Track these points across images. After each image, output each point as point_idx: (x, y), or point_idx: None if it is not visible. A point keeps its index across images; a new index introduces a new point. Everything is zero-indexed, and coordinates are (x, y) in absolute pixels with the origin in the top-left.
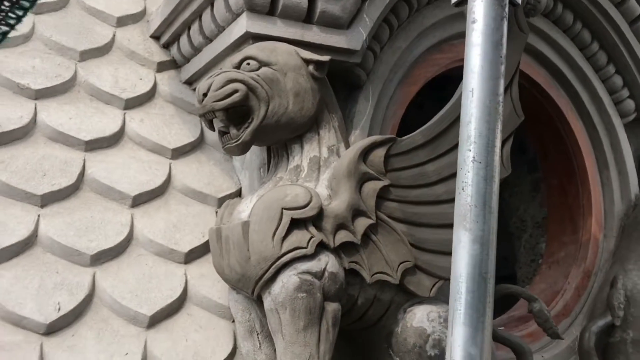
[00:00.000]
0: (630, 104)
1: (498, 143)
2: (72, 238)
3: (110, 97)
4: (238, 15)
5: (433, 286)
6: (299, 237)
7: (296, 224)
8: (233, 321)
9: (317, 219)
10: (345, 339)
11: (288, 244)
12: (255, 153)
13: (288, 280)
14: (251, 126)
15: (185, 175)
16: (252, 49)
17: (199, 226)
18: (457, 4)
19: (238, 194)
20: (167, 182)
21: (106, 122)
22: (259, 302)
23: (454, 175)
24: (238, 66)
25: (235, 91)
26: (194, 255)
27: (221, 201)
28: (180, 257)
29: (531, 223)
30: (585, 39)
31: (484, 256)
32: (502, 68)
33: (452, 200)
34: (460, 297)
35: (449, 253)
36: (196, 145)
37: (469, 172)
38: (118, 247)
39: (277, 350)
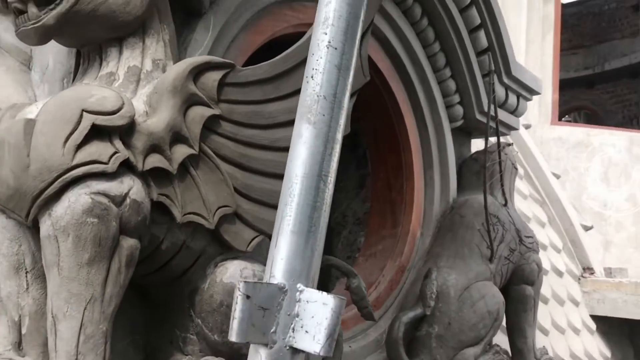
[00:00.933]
0: (459, 110)
1: (358, 31)
2: None
3: None
4: None
5: (252, 240)
6: (99, 148)
7: (98, 133)
8: None
9: (126, 133)
10: (137, 297)
11: (83, 155)
12: (61, 62)
13: (77, 199)
14: (58, 8)
15: None
16: None
17: None
18: None
19: None
20: None
21: None
22: (34, 229)
23: (288, 124)
24: None
25: None
26: None
27: None
28: None
29: (352, 219)
30: (429, 37)
31: (327, 155)
32: None
33: (283, 149)
34: (292, 200)
35: (273, 205)
36: None
37: (321, 57)
38: None
39: (49, 289)
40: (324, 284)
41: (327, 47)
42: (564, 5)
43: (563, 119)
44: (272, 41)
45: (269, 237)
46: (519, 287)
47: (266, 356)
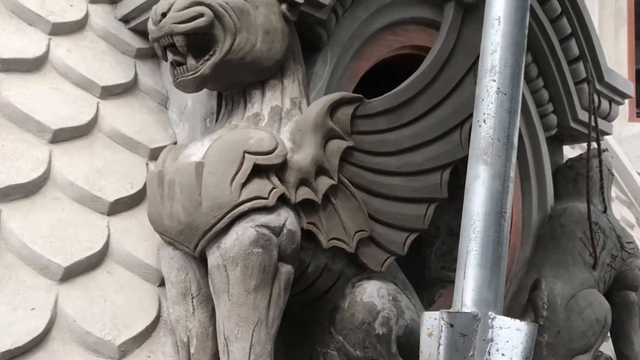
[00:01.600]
0: (553, 119)
1: (522, 76)
2: None
3: (34, 18)
4: None
5: (385, 261)
6: (260, 185)
7: (258, 171)
8: (159, 285)
9: (279, 170)
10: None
11: (248, 192)
12: (201, 102)
13: (244, 232)
14: (213, 59)
15: (114, 119)
16: None
17: (126, 175)
18: None
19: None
20: (94, 122)
21: (28, 42)
22: (199, 260)
23: (413, 148)
24: None
25: (201, 15)
26: (119, 207)
27: (153, 152)
28: (104, 207)
29: (445, 230)
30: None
31: (504, 194)
32: (529, 0)
33: (409, 174)
34: (476, 236)
35: (402, 228)
36: (128, 89)
37: (492, 103)
38: (32, 185)
39: (218, 314)
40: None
41: (497, 93)
42: None
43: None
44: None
45: (398, 257)
46: (622, 293)
47: None
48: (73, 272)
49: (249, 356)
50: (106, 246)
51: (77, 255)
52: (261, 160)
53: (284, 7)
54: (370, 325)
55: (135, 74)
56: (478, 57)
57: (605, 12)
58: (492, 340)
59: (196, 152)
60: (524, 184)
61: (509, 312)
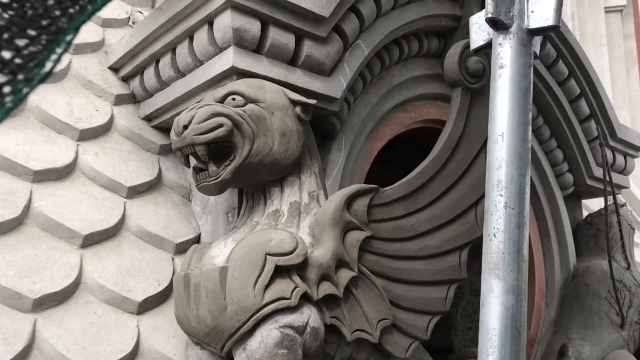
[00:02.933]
0: (569, 178)
1: (528, 190)
2: (13, 279)
3: (63, 126)
4: (223, 49)
5: (409, 346)
6: (282, 286)
7: (279, 272)
8: None
9: (300, 268)
10: None
11: (271, 294)
12: (223, 196)
13: (268, 334)
14: (233, 164)
15: (141, 217)
16: (238, 85)
17: (154, 273)
18: (477, 50)
19: (197, 240)
20: (121, 223)
21: (57, 152)
22: (226, 359)
23: (430, 232)
24: (222, 101)
25: (220, 125)
26: (148, 305)
27: (179, 247)
28: (133, 307)
29: (469, 290)
30: (533, 113)
31: (519, 307)
32: (530, 115)
33: (428, 257)
34: (494, 351)
35: (424, 312)
36: (153, 186)
37: (500, 218)
38: (64, 292)
39: None
40: None
41: (505, 208)
42: None
43: None
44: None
45: (421, 341)
46: None
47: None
48: None
49: None
50: (137, 346)
51: (110, 359)
52: (282, 261)
53: (297, 109)
54: None
55: (159, 170)
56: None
57: (615, 54)
58: None
59: (219, 253)
60: (544, 243)
61: None
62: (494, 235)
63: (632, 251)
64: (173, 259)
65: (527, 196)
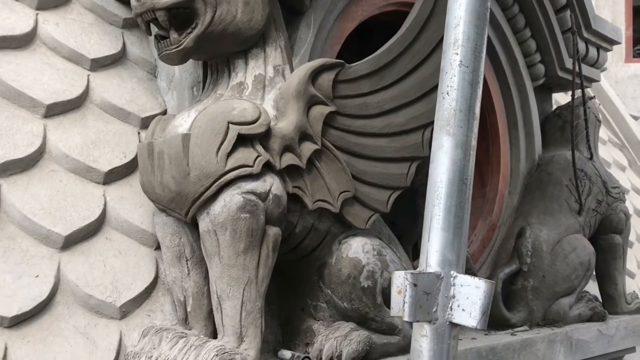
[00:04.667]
0: (540, 69)
1: (484, 49)
2: None
3: None
4: None
5: (369, 218)
6: (245, 154)
7: (242, 140)
8: (155, 248)
9: (264, 138)
10: (273, 271)
11: (233, 161)
12: (188, 71)
13: (231, 199)
14: (195, 31)
15: (105, 90)
16: None
17: (119, 145)
18: None
19: (163, 115)
20: (85, 95)
21: (15, 19)
22: (191, 225)
23: (395, 110)
24: None
25: None
26: (114, 176)
27: (144, 121)
28: (99, 177)
29: None
30: (508, 0)
31: (466, 162)
32: None
33: (391, 134)
34: (440, 202)
35: (385, 187)
36: (117, 60)
37: (454, 76)
38: (28, 159)
39: (211, 274)
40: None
41: (460, 66)
42: None
43: (636, 47)
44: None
45: (381, 214)
46: (607, 236)
47: (430, 331)
48: (73, 240)
49: (241, 313)
50: (103, 214)
51: (76, 224)
52: (245, 130)
53: None
54: (356, 279)
55: (124, 45)
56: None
57: None
58: (453, 297)
59: (183, 123)
60: (511, 133)
61: (497, 258)
62: (447, 93)
63: (596, 143)
64: (139, 133)
65: (483, 55)
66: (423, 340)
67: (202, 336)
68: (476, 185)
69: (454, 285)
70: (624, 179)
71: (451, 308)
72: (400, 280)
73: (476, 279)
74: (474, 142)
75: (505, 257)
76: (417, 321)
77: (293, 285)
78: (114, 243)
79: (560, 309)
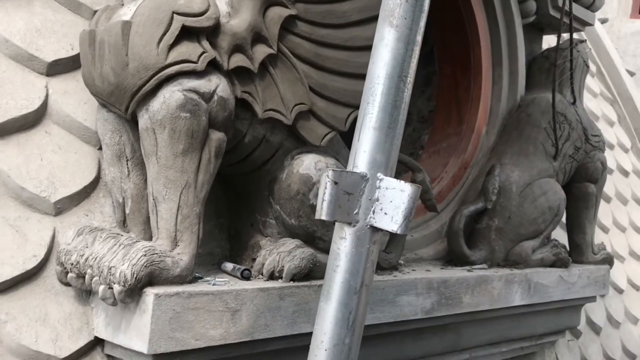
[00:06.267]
0: (532, 5)
1: None
2: None
3: None
4: None
5: (325, 136)
6: (189, 49)
7: (187, 33)
8: (99, 148)
9: (212, 34)
10: (221, 185)
11: (175, 55)
12: None
13: (171, 96)
14: None
15: None
16: None
17: (67, 37)
18: None
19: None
20: None
21: None
22: (132, 122)
23: (362, 22)
24: None
25: None
26: (59, 67)
27: None
28: (42, 67)
29: (416, 117)
30: None
31: (407, 57)
32: None
33: (356, 49)
34: (375, 99)
35: (345, 104)
36: None
37: None
38: None
39: (148, 175)
40: None
41: None
42: None
43: None
44: None
45: (340, 132)
46: (581, 184)
47: (350, 233)
48: (8, 130)
49: (177, 217)
50: (44, 106)
51: (13, 112)
52: (191, 22)
53: None
54: (305, 195)
55: None
56: None
57: None
58: (377, 200)
59: (128, 12)
60: (495, 71)
61: (467, 197)
62: None
63: (581, 88)
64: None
65: None
66: (341, 243)
67: (133, 236)
68: (453, 122)
69: (379, 188)
70: (611, 134)
71: (374, 211)
72: (324, 179)
73: (402, 182)
74: (418, 37)
75: (475, 196)
76: (336, 221)
77: (244, 200)
78: (53, 137)
79: (522, 251)
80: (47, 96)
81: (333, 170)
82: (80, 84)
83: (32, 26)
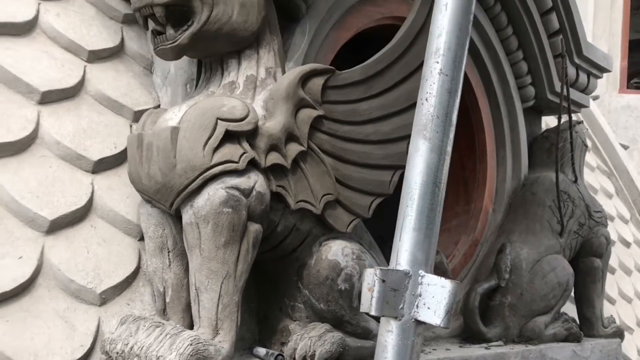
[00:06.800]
0: (531, 90)
1: (464, 60)
2: None
3: None
4: None
5: (350, 222)
6: (231, 150)
7: (229, 137)
8: (139, 239)
9: (251, 136)
10: (253, 269)
11: (219, 156)
12: (183, 68)
13: (215, 193)
14: (191, 29)
15: (100, 81)
16: None
17: (111, 136)
18: None
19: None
20: (81, 85)
21: (17, 7)
22: (175, 217)
23: (382, 118)
24: None
25: None
26: (103, 165)
27: (137, 115)
28: (89, 165)
29: None
30: (502, 22)
31: (440, 166)
32: None
33: (377, 142)
34: (413, 203)
35: (368, 192)
36: (115, 53)
37: (434, 83)
38: (20, 143)
39: (191, 267)
40: None
41: (439, 74)
42: None
43: (633, 81)
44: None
45: (363, 219)
46: (587, 259)
47: (396, 327)
48: (58, 225)
49: (218, 306)
50: (90, 202)
51: (63, 209)
52: (233, 126)
53: None
54: (334, 281)
55: (122, 39)
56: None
57: None
58: (420, 295)
59: (173, 116)
60: (499, 152)
61: (478, 274)
62: (426, 100)
63: (581, 167)
64: (131, 125)
65: (463, 65)
66: (388, 336)
67: (178, 326)
68: (462, 202)
69: (421, 284)
70: (610, 206)
71: (417, 306)
72: (370, 277)
73: (442, 279)
74: (449, 148)
75: (486, 273)
76: (384, 316)
77: (273, 285)
78: (98, 231)
79: (536, 326)
80: (92, 192)
81: (381, 269)
82: (123, 180)
83: (79, 128)
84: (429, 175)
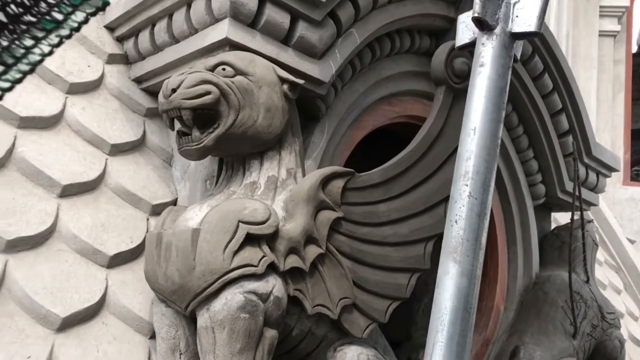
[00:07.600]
0: (541, 189)
1: (492, 183)
2: None
3: (54, 77)
4: (218, 20)
5: (367, 327)
6: (251, 254)
7: (250, 239)
8: (150, 337)
9: (271, 239)
10: None
11: (239, 260)
12: (203, 164)
13: (232, 297)
14: (216, 132)
15: (120, 175)
16: (229, 56)
17: (127, 230)
18: (461, 48)
19: (173, 203)
20: (101, 178)
21: (46, 101)
22: (189, 318)
23: (400, 220)
24: (212, 69)
25: (208, 93)
26: (118, 260)
27: (155, 208)
28: (104, 260)
29: (433, 287)
30: (513, 121)
31: (471, 290)
32: (503, 113)
33: (395, 244)
34: (443, 329)
35: (385, 296)
36: (136, 146)
37: (463, 206)
38: (38, 237)
39: None
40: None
41: (469, 197)
42: (633, 55)
43: (634, 168)
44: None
45: (379, 323)
46: None
47: None
48: (70, 323)
49: None
50: (103, 298)
51: (76, 306)
52: (254, 229)
53: (285, 87)
54: None
55: (144, 132)
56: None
57: (604, 77)
58: None
59: (194, 216)
60: (510, 249)
61: None
62: (456, 222)
63: (593, 266)
64: (148, 219)
65: (491, 188)
66: None
67: None
68: None
69: None
70: (619, 302)
71: None
72: None
73: None
74: (479, 272)
75: None
76: None
77: None
78: (109, 328)
79: None
80: (106, 288)
81: None
82: (137, 275)
83: (97, 221)
84: (459, 300)
